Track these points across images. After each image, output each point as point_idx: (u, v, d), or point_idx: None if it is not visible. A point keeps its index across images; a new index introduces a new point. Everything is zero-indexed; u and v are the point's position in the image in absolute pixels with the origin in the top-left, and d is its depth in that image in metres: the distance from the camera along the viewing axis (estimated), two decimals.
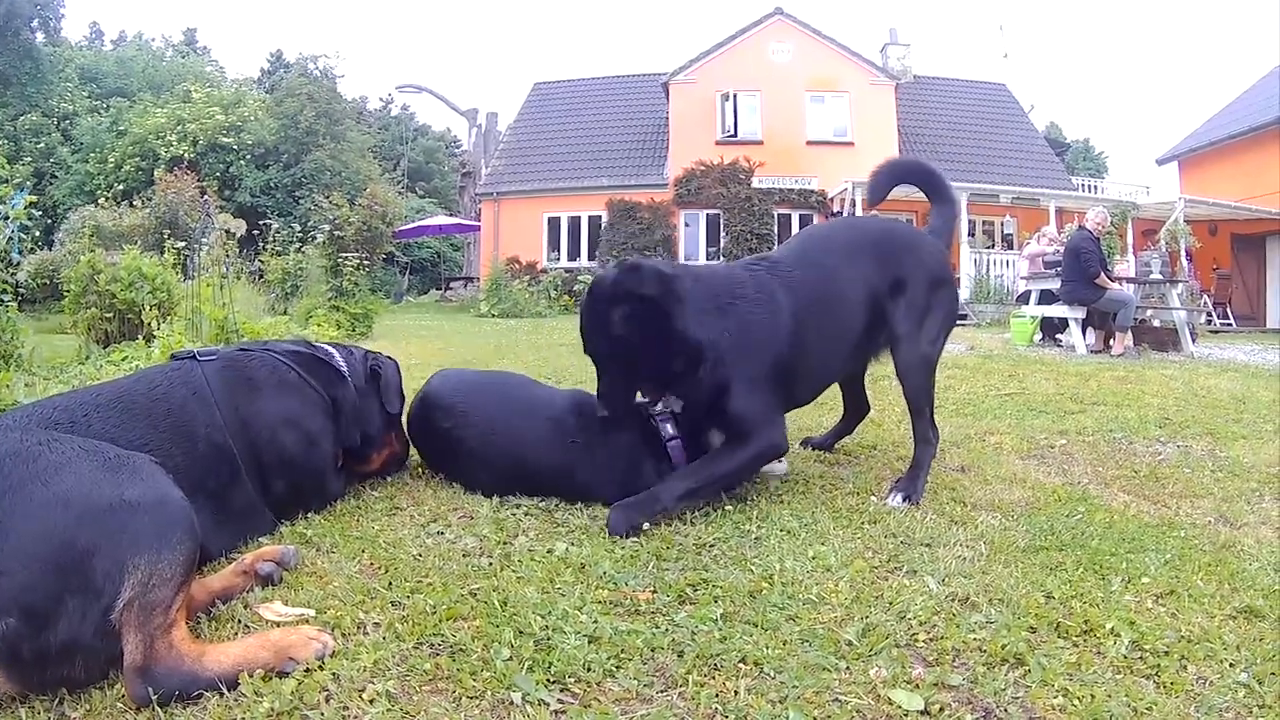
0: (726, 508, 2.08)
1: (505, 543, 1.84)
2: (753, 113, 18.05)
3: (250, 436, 1.84)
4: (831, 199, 16.93)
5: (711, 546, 1.83)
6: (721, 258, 16.76)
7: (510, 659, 1.28)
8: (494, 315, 14.59)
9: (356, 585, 1.58)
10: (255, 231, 19.96)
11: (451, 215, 23.32)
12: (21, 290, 6.56)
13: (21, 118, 26.33)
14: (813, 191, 17.16)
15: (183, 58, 35.34)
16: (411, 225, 20.94)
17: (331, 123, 24.37)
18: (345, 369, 2.18)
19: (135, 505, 1.28)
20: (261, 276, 13.05)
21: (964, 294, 14.49)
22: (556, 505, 2.12)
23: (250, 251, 15.18)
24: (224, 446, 1.77)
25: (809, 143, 17.81)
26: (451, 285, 22.36)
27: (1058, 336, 8.29)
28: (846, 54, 18.29)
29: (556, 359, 6.03)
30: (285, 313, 9.95)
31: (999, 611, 1.48)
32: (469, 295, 19.40)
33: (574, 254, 18.20)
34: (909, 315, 2.30)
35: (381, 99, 40.24)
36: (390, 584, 1.58)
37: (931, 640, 1.37)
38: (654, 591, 1.55)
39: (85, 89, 29.28)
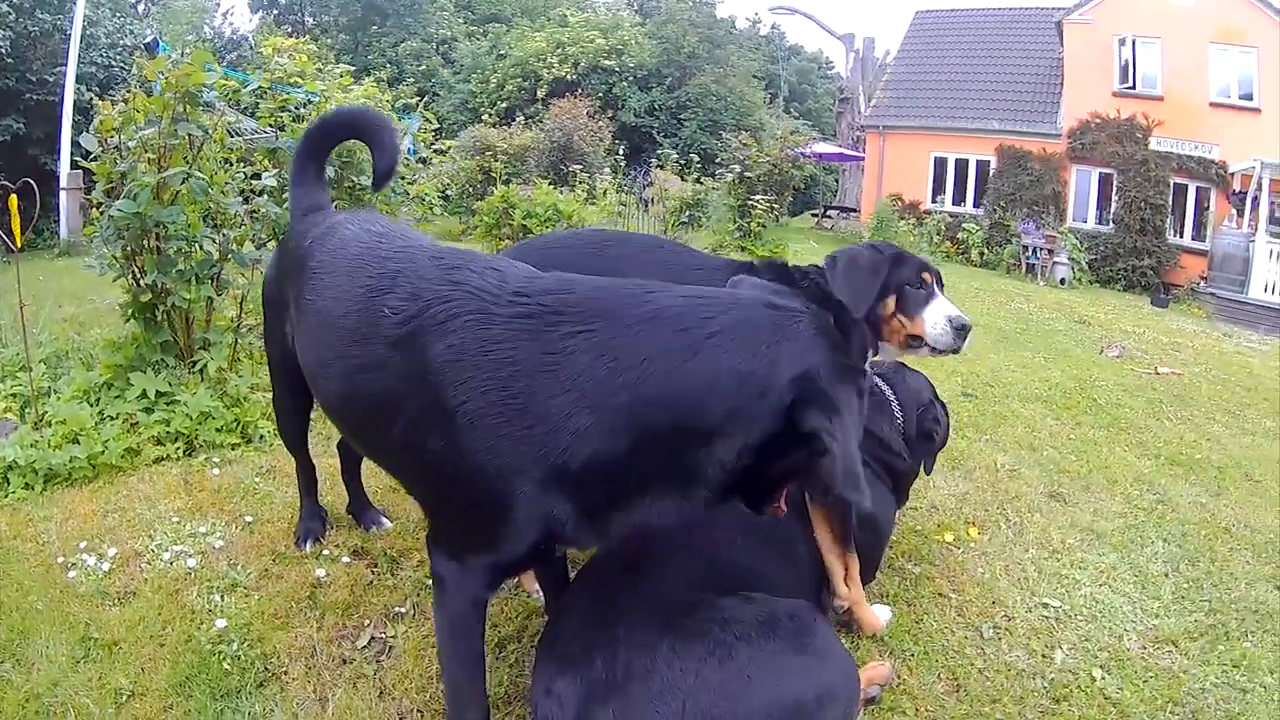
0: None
1: (1047, 656, 1.95)
2: (1152, 63, 17.15)
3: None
4: (1232, 175, 16.08)
5: None
6: (1112, 225, 16.53)
7: None
8: None
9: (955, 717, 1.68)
10: (641, 152, 22.53)
11: (827, 141, 23.01)
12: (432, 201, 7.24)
13: (402, 44, 29.07)
14: (1213, 162, 16.42)
15: None
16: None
17: (713, 46, 25.24)
18: (904, 443, 2.13)
19: (829, 698, 1.29)
20: (648, 206, 13.51)
21: None
22: (1014, 578, 2.31)
23: (635, 169, 16.84)
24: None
25: (1212, 104, 16.85)
26: (829, 213, 21.90)
27: None
28: (1258, 1, 16.44)
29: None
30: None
31: None
32: (847, 228, 19.79)
33: (958, 199, 18.26)
34: None
35: (749, 18, 39.98)
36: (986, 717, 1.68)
37: None
38: None
39: (460, 15, 31.99)
